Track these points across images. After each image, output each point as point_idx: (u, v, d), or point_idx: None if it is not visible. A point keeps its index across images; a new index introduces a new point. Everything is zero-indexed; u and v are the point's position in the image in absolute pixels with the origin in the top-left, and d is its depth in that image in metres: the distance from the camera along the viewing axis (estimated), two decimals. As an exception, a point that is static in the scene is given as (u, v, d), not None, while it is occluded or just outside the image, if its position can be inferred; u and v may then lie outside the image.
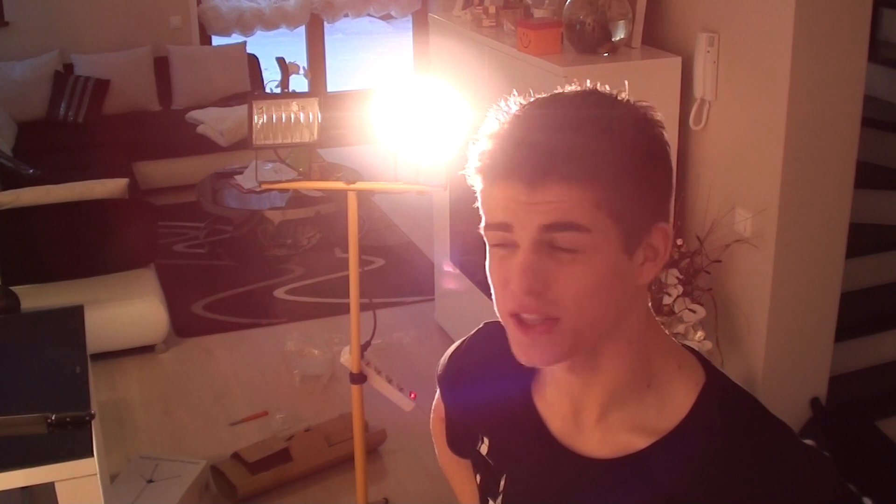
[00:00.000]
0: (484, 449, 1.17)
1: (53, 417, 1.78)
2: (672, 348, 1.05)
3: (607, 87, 1.01)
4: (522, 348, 0.99)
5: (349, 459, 3.09)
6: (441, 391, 1.31)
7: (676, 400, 1.01)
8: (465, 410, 1.23)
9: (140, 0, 6.85)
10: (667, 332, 1.07)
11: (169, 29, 6.97)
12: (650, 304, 1.04)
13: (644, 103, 1.00)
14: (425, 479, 3.57)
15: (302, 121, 2.77)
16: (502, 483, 1.13)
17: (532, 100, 1.00)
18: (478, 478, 1.18)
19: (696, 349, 1.08)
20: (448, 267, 4.38)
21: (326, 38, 7.75)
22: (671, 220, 1.01)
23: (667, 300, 3.16)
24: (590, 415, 1.05)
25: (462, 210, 4.19)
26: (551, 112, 0.97)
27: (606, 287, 0.96)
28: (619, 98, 0.99)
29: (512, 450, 1.13)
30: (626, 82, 1.07)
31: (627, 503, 1.01)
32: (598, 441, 1.04)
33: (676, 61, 3.34)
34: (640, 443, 1.01)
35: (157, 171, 6.34)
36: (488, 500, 1.16)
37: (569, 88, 1.01)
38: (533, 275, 0.95)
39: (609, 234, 0.95)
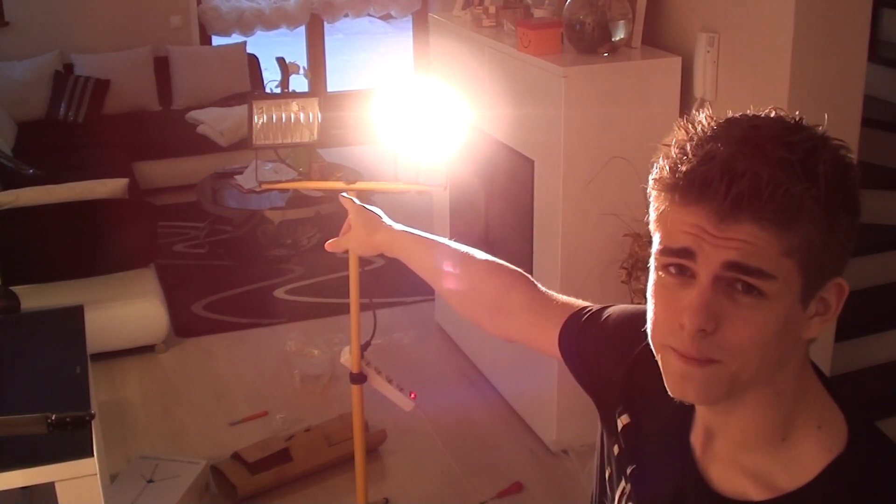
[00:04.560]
0: (621, 423, 1.12)
1: (53, 417, 1.78)
2: (819, 406, 0.97)
3: (804, 119, 0.94)
4: (676, 380, 0.94)
5: (349, 459, 3.09)
6: (609, 329, 1.22)
7: (806, 462, 0.95)
8: (624, 372, 1.15)
9: (140, 0, 6.85)
10: (823, 387, 0.99)
11: (169, 29, 6.97)
12: (808, 357, 0.98)
13: (839, 142, 0.91)
14: (425, 479, 3.57)
15: (302, 121, 2.77)
16: (629, 470, 1.10)
17: (728, 118, 0.93)
18: (615, 449, 1.14)
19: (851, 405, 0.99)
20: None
21: (326, 38, 7.75)
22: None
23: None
24: (721, 447, 1.01)
25: (462, 210, 4.19)
26: (756, 140, 0.89)
27: (777, 337, 0.91)
28: (821, 135, 0.91)
29: (650, 441, 1.08)
30: (826, 115, 0.99)
31: None
32: (719, 474, 1.00)
33: (676, 61, 3.34)
34: (755, 494, 0.96)
35: (157, 171, 6.33)
36: (621, 480, 1.11)
37: (765, 113, 0.94)
38: (708, 313, 0.89)
39: (792, 283, 0.89)
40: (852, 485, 0.93)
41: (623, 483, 1.12)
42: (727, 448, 1.00)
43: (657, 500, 1.07)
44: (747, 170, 0.87)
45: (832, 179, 0.88)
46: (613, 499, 1.14)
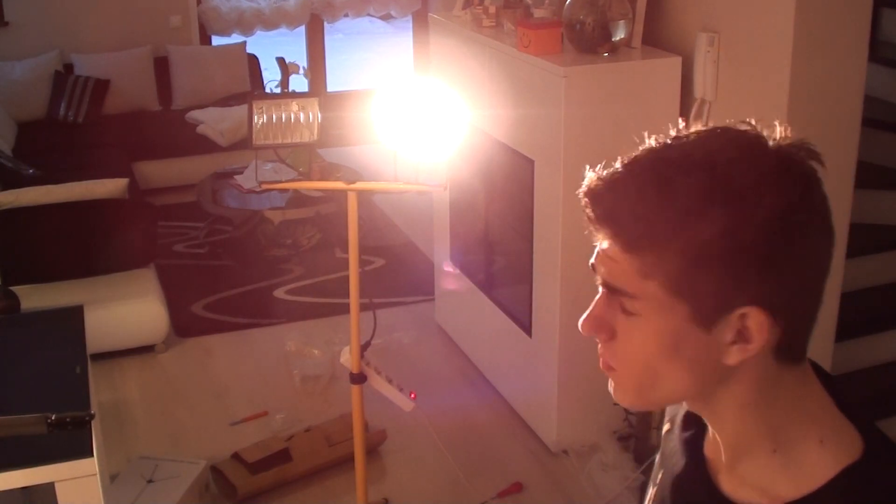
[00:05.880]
0: (664, 429, 1.15)
1: (53, 417, 1.78)
2: (817, 422, 0.95)
3: (744, 134, 0.92)
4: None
5: (349, 459, 3.09)
6: None
7: (810, 472, 0.94)
8: None
9: (140, 0, 6.85)
10: (819, 404, 0.97)
11: (169, 29, 6.97)
12: (800, 375, 0.97)
13: (794, 157, 0.90)
14: (425, 479, 3.57)
15: (302, 121, 2.77)
16: (659, 476, 1.12)
17: (664, 137, 0.94)
18: (657, 456, 1.17)
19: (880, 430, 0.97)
20: (448, 267, 4.38)
21: (326, 38, 7.75)
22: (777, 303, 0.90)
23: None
24: (722, 456, 1.02)
25: (462, 210, 4.19)
26: (637, 162, 0.92)
27: (667, 353, 0.92)
28: (701, 159, 0.89)
29: (675, 448, 1.10)
30: (780, 126, 0.95)
31: None
32: (727, 482, 1.02)
33: (676, 61, 3.34)
34: (762, 501, 0.97)
35: (157, 171, 6.33)
36: (649, 485, 1.15)
37: (705, 129, 0.93)
38: (595, 322, 0.96)
39: (665, 305, 0.90)
40: (864, 493, 0.92)
41: (651, 488, 1.14)
42: (728, 456, 1.01)
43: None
44: (607, 193, 0.91)
45: (693, 206, 0.87)
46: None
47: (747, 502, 0.98)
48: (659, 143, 0.93)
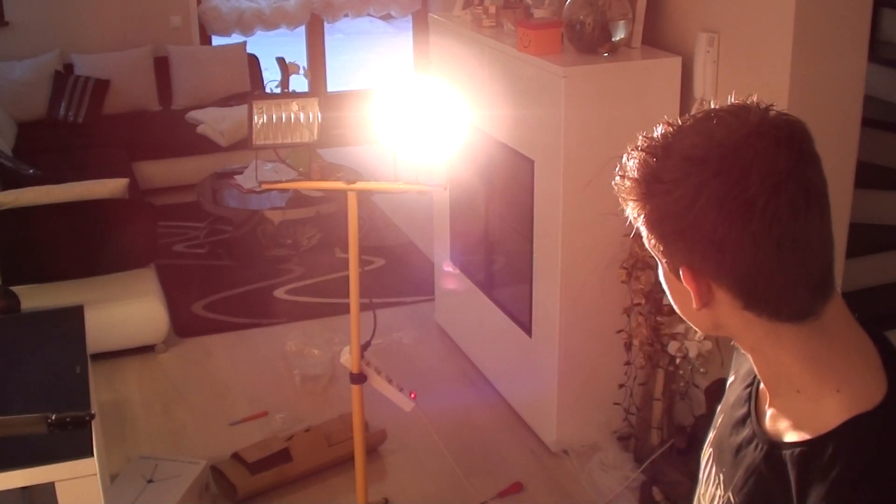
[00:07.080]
0: (728, 381, 1.26)
1: (53, 417, 1.78)
2: (836, 372, 1.03)
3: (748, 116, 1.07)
4: None
5: (349, 459, 3.09)
6: None
7: (825, 417, 1.01)
8: None
9: (140, 0, 6.85)
10: (843, 357, 1.03)
11: (169, 29, 6.97)
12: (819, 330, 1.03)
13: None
14: (425, 479, 3.57)
15: (302, 121, 2.77)
16: (719, 421, 1.22)
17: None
18: (719, 405, 1.25)
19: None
20: (448, 267, 4.38)
21: (326, 38, 7.75)
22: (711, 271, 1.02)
23: (666, 299, 3.16)
24: (766, 389, 1.11)
25: (462, 210, 4.19)
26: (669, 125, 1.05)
27: (671, 292, 1.10)
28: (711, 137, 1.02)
29: (739, 398, 1.19)
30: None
31: (747, 474, 1.09)
32: (769, 419, 1.10)
33: (676, 61, 3.34)
34: (787, 434, 1.06)
35: (157, 171, 6.34)
36: (710, 430, 1.25)
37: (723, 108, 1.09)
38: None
39: (657, 251, 1.06)
40: (863, 442, 0.98)
41: (711, 432, 1.22)
42: (766, 388, 1.10)
43: (728, 445, 1.16)
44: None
45: (685, 170, 1.00)
46: (703, 469, 1.23)
47: (778, 434, 1.07)
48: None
